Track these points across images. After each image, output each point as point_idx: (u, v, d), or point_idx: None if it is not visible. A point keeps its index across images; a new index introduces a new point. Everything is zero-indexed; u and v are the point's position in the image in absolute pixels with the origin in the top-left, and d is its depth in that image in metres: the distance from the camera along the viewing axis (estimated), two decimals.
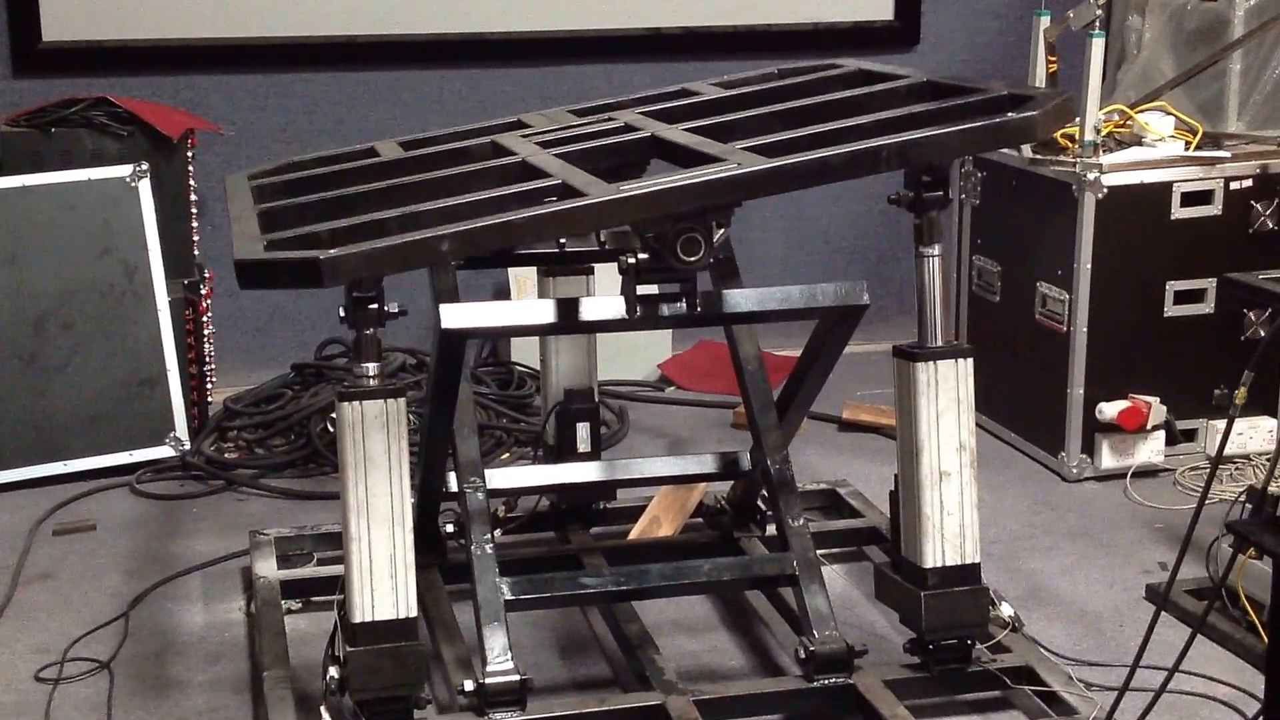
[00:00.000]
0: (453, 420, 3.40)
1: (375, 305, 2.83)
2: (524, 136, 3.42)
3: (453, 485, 3.46)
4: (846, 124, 3.08)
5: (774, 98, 3.50)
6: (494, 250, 3.52)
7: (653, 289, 3.06)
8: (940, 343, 3.13)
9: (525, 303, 3.26)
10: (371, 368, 2.88)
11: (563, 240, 3.66)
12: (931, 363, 3.10)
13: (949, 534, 3.13)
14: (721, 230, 2.92)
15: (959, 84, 3.31)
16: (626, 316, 3.07)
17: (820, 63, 3.81)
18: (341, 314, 2.86)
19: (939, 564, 3.14)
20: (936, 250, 3.13)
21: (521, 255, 3.81)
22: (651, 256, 2.93)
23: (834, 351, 3.40)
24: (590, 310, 3.15)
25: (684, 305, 3.09)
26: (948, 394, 3.10)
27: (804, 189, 3.05)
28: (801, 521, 3.37)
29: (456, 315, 3.08)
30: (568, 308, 3.16)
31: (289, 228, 2.92)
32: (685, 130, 3.20)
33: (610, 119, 3.49)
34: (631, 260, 2.95)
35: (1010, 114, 2.98)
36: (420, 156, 3.42)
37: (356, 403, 2.85)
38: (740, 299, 3.22)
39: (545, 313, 3.20)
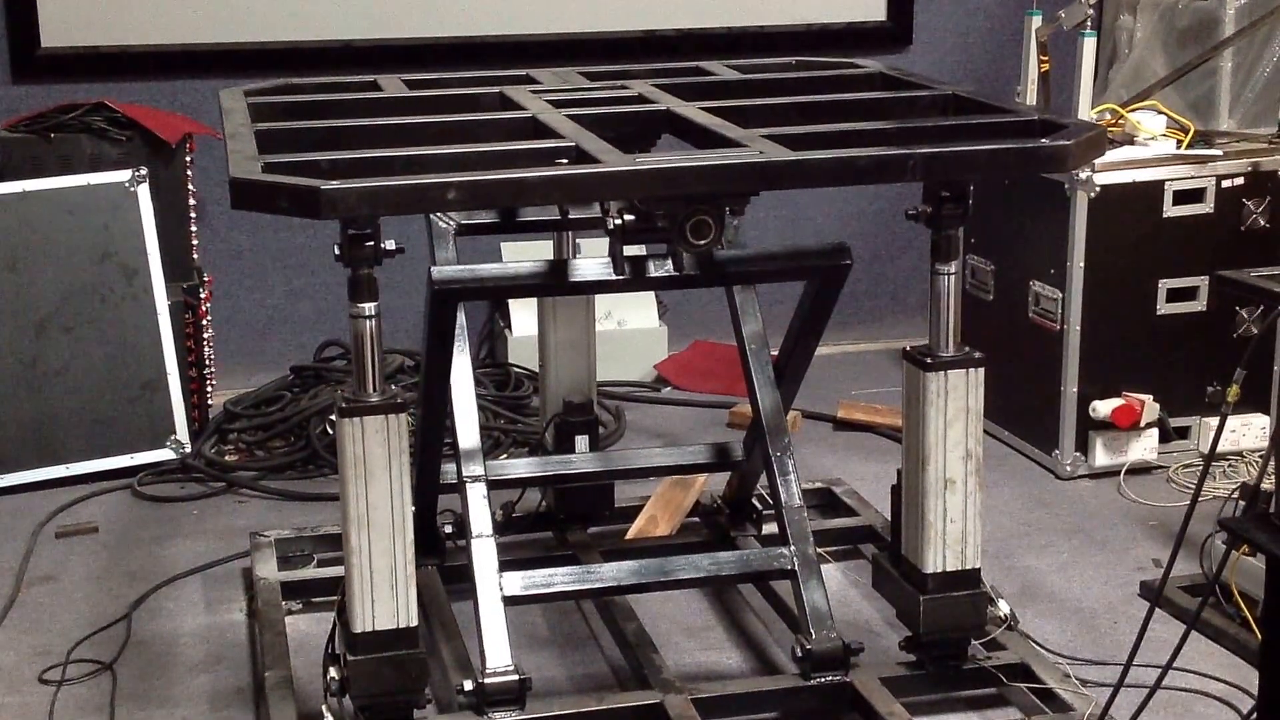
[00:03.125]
0: (448, 392, 3.36)
1: (372, 242, 2.75)
2: (534, 92, 3.37)
3: (452, 478, 3.46)
4: (873, 126, 3.04)
5: (793, 88, 3.46)
6: (500, 206, 3.48)
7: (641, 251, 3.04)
8: (952, 351, 3.12)
9: (515, 262, 3.23)
10: (368, 308, 2.82)
11: (568, 209, 3.58)
12: (942, 372, 3.08)
13: (951, 540, 3.15)
14: (735, 220, 2.88)
15: (987, 102, 3.28)
16: (614, 276, 3.05)
17: (840, 59, 3.78)
18: (336, 251, 2.79)
19: (940, 569, 3.15)
20: (953, 268, 3.08)
21: (522, 222, 3.73)
22: (638, 219, 2.86)
23: (821, 315, 3.37)
24: (579, 270, 3.14)
25: (671, 265, 3.07)
26: (957, 403, 3.10)
27: (822, 187, 2.96)
28: (801, 516, 3.35)
29: (447, 273, 3.06)
30: (557, 267, 3.14)
31: (286, 152, 2.85)
32: (702, 109, 3.15)
33: (623, 86, 3.45)
34: (618, 221, 2.89)
35: (1044, 140, 2.91)
36: (425, 98, 3.34)
37: (357, 418, 2.84)
38: (726, 259, 3.18)
39: (535, 272, 3.17)
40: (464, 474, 3.34)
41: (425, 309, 3.18)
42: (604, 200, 3.05)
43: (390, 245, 2.78)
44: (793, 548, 3.31)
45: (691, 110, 3.16)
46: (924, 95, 3.37)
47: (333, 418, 4.45)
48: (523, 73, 3.64)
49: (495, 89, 3.43)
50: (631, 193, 2.84)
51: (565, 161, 2.84)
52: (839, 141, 2.91)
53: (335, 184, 2.57)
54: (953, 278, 3.10)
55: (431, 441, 3.47)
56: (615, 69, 3.72)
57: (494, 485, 3.47)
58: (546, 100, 3.27)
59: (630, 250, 3.06)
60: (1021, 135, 3.02)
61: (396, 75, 3.60)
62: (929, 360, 3.09)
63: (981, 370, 3.11)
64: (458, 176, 2.66)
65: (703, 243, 2.81)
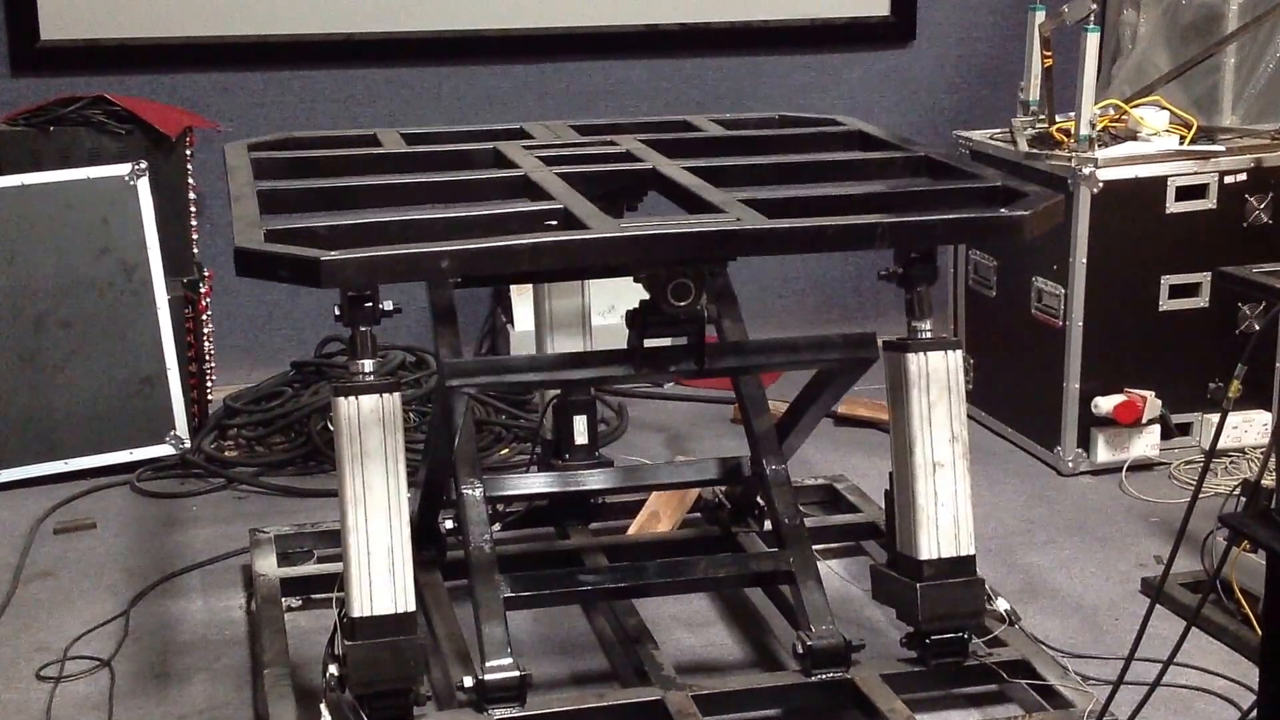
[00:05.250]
0: (450, 470, 3.42)
1: (371, 304, 2.85)
2: (526, 147, 3.46)
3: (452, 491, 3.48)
4: (844, 191, 3.18)
5: (773, 146, 3.62)
6: (492, 273, 3.59)
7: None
8: (929, 337, 3.17)
9: (527, 357, 3.28)
10: (368, 364, 2.90)
11: None
12: (922, 354, 3.13)
13: (943, 525, 3.15)
14: (714, 277, 2.94)
15: (956, 165, 3.41)
16: (633, 370, 3.09)
17: (822, 116, 3.94)
18: (337, 312, 2.88)
19: (934, 555, 3.15)
20: (928, 325, 3.16)
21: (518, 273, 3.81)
22: (654, 302, 2.94)
23: (836, 395, 3.46)
24: (597, 364, 3.16)
25: (691, 362, 3.08)
26: (938, 385, 3.13)
27: (795, 254, 3.09)
28: (798, 522, 3.37)
29: (459, 371, 3.09)
30: (574, 360, 3.20)
31: (288, 211, 2.94)
32: (685, 169, 3.27)
33: (612, 143, 3.55)
34: (636, 310, 2.97)
35: (1002, 210, 3.05)
36: (423, 154, 3.44)
37: (353, 398, 2.87)
38: (748, 348, 3.29)
39: (552, 366, 3.22)
40: (462, 484, 3.38)
41: (435, 395, 3.23)
42: (590, 265, 3.16)
43: (388, 306, 2.88)
44: (791, 550, 3.33)
45: (675, 170, 3.26)
46: (898, 157, 3.51)
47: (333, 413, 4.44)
48: (516, 126, 3.76)
49: (489, 144, 3.52)
50: (614, 258, 2.96)
51: (554, 223, 2.93)
52: (813, 207, 3.04)
53: (335, 255, 2.66)
54: (930, 333, 3.17)
55: (434, 499, 3.51)
56: (605, 123, 3.85)
57: (494, 501, 3.53)
58: (538, 157, 3.36)
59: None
60: (985, 201, 3.17)
61: (394, 130, 3.71)
62: (908, 343, 3.15)
63: (959, 352, 3.17)
64: (451, 245, 2.75)
65: (683, 304, 2.92)
